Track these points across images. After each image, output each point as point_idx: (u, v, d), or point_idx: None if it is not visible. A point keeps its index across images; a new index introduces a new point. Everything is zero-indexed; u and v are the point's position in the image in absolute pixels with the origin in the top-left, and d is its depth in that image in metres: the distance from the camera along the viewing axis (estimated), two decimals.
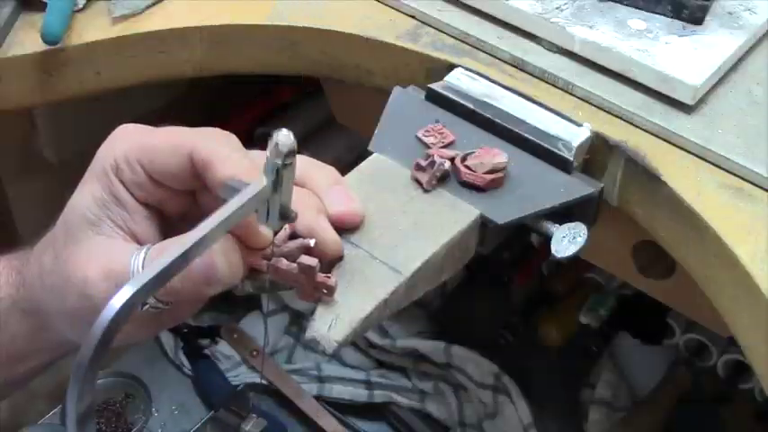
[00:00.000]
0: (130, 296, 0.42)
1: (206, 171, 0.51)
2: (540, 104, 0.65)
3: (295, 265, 0.50)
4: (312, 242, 0.51)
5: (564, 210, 0.60)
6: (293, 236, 0.52)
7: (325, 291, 0.51)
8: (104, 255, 0.52)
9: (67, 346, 0.60)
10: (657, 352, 1.13)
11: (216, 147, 0.51)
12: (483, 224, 0.58)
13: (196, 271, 0.49)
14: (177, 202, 0.55)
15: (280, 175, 0.47)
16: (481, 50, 0.70)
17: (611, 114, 0.65)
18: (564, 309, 1.13)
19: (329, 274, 0.51)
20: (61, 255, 0.54)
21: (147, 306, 0.51)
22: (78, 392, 0.41)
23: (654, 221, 0.63)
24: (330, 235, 0.52)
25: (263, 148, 0.48)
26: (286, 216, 0.49)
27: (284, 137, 0.46)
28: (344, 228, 0.54)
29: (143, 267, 0.50)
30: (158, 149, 0.53)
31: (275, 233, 0.51)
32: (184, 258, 0.45)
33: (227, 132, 0.53)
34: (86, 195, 0.53)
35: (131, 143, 0.53)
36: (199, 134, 0.53)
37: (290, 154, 0.46)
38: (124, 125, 0.55)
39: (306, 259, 0.50)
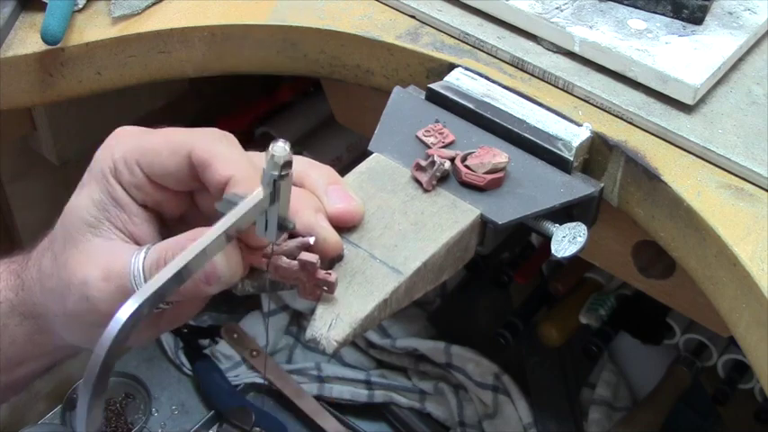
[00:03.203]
0: (136, 308, 0.43)
1: (205, 171, 0.51)
2: (540, 104, 0.65)
3: (295, 262, 0.50)
4: (312, 240, 0.51)
5: (564, 210, 0.60)
6: (293, 235, 0.52)
7: (325, 288, 0.51)
8: (104, 256, 0.52)
9: (67, 349, 0.60)
10: (657, 352, 1.13)
11: (214, 146, 0.51)
12: (483, 224, 0.58)
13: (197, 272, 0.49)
14: (175, 203, 0.55)
15: (277, 187, 0.47)
16: (481, 50, 0.70)
17: (611, 114, 0.66)
18: (564, 309, 1.13)
19: (330, 271, 0.51)
20: (60, 257, 0.53)
21: None
22: (88, 407, 0.42)
23: (654, 221, 0.63)
24: (330, 233, 0.52)
25: (263, 148, 0.48)
26: (284, 227, 0.49)
27: (280, 149, 0.46)
28: (344, 226, 0.54)
29: (143, 267, 0.50)
30: (157, 151, 0.53)
31: None
32: (186, 270, 0.46)
33: (226, 132, 0.53)
34: (85, 198, 0.53)
35: (130, 145, 0.53)
36: (197, 134, 0.53)
37: (287, 165, 0.46)
38: (122, 127, 0.55)
39: (306, 255, 0.50)
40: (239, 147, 0.53)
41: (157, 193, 0.54)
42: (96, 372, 0.42)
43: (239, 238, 0.50)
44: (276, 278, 0.51)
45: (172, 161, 0.52)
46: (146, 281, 0.50)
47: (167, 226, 0.56)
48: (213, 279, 0.49)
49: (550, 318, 1.12)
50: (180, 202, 0.55)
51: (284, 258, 0.50)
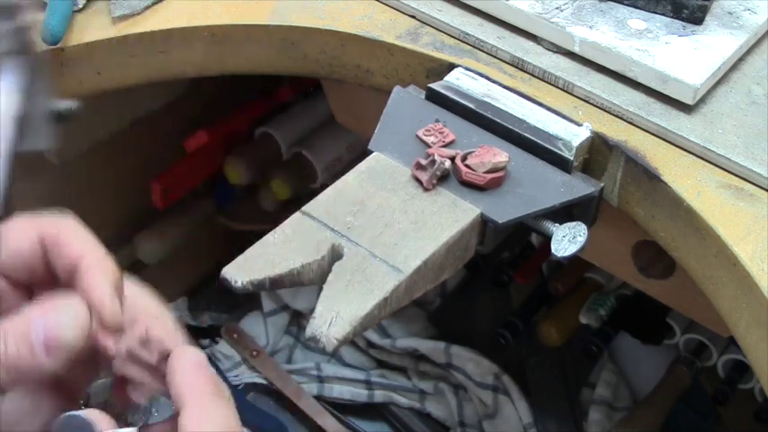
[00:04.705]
0: None
1: (55, 249, 0.48)
2: (540, 104, 0.65)
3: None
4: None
5: (564, 209, 0.60)
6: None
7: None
8: None
9: None
10: (657, 352, 1.13)
11: (67, 227, 0.49)
12: (483, 223, 0.58)
13: (36, 331, 0.44)
14: (11, 300, 0.50)
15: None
16: (481, 50, 0.70)
17: (611, 114, 0.66)
18: (564, 309, 1.13)
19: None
20: None
21: None
22: None
23: (654, 221, 0.63)
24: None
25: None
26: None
27: None
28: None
29: None
30: (8, 232, 0.49)
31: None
32: None
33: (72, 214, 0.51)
34: None
35: None
36: (45, 216, 0.50)
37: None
38: None
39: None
40: (84, 229, 0.50)
41: None
42: None
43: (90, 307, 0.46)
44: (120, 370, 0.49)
45: (24, 243, 0.49)
46: None
47: None
48: (53, 343, 0.43)
49: (550, 318, 1.13)
50: (17, 299, 0.50)
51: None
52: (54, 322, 0.44)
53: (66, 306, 0.45)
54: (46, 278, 0.49)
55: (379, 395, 1.17)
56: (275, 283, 0.52)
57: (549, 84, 0.68)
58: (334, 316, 0.51)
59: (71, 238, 0.48)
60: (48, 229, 0.49)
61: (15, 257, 0.49)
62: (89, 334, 0.45)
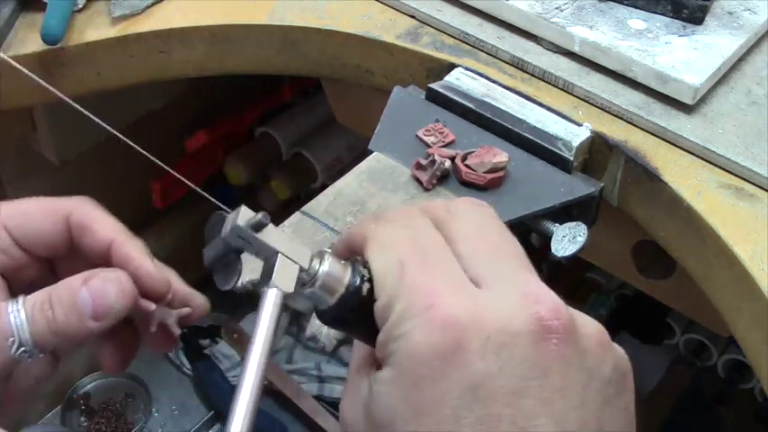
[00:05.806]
0: None
1: (84, 234, 0.51)
2: (540, 104, 0.65)
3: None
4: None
5: (564, 209, 0.60)
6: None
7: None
8: None
9: None
10: (657, 352, 1.13)
11: (93, 211, 0.51)
12: None
13: (84, 299, 0.47)
14: (33, 270, 0.53)
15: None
16: (481, 50, 0.70)
17: (611, 114, 0.66)
18: None
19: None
20: None
21: (22, 350, 0.47)
22: None
23: (654, 221, 0.63)
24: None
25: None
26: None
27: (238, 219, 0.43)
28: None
29: (27, 321, 0.48)
30: (31, 213, 0.52)
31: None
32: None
33: (93, 200, 0.54)
34: None
35: None
36: (74, 199, 0.53)
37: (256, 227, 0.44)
38: None
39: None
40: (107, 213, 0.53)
41: (20, 257, 0.52)
42: None
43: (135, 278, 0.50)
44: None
45: (48, 223, 0.51)
46: (30, 331, 0.47)
47: (14, 292, 0.52)
48: (101, 310, 0.47)
49: None
50: (37, 270, 0.53)
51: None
52: (101, 291, 0.48)
53: (113, 276, 0.49)
54: (66, 254, 0.52)
55: None
56: None
57: (549, 84, 0.68)
58: None
59: (99, 221, 0.51)
60: (74, 213, 0.51)
61: (38, 235, 0.52)
62: (133, 299, 0.49)
